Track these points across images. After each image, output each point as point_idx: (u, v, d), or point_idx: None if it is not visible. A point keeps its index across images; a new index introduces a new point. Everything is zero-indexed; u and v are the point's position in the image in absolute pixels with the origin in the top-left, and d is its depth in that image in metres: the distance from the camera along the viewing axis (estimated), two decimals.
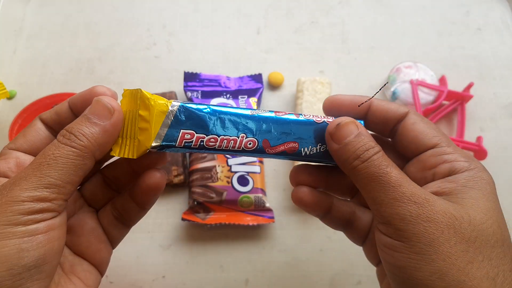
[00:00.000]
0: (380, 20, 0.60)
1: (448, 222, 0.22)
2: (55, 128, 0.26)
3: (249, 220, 0.45)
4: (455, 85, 0.53)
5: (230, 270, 0.45)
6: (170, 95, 0.51)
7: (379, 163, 0.24)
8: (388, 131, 0.28)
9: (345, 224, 0.31)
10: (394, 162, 0.26)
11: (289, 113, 0.27)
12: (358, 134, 0.25)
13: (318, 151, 0.27)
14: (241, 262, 0.45)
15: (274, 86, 0.55)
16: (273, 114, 0.26)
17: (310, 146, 0.27)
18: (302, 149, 0.27)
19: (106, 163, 0.29)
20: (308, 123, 0.26)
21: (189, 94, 0.51)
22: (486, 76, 0.56)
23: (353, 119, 0.26)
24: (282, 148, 0.26)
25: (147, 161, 0.27)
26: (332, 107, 0.28)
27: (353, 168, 0.24)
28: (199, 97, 0.51)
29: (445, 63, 0.57)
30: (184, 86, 0.52)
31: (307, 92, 0.50)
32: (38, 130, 0.26)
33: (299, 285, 0.44)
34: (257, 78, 0.54)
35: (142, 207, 0.29)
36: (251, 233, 0.46)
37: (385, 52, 0.58)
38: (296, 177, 0.29)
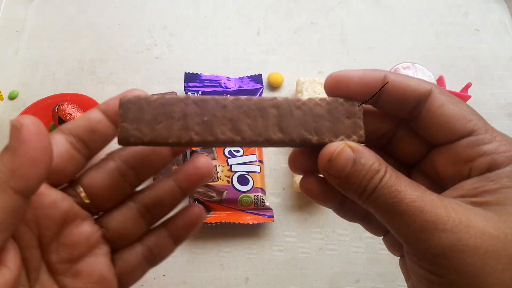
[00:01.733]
0: (379, 21, 0.61)
1: (490, 246, 0.18)
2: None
3: (249, 219, 0.45)
4: (453, 85, 0.54)
5: (230, 268, 0.45)
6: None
7: (389, 191, 0.20)
8: (406, 112, 0.23)
9: (362, 217, 0.26)
10: (415, 148, 0.23)
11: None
12: (354, 162, 0.21)
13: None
14: (241, 261, 0.46)
15: (273, 87, 0.55)
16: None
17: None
18: None
19: (141, 186, 0.25)
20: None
21: (189, 94, 0.52)
22: (484, 76, 0.57)
23: (343, 143, 0.21)
24: None
25: (197, 172, 0.24)
26: (337, 87, 0.22)
27: (363, 202, 0.21)
28: None
29: (443, 63, 0.57)
30: (185, 87, 0.53)
31: (306, 93, 0.51)
32: (57, 145, 0.22)
33: (299, 283, 0.45)
34: (257, 78, 0.54)
35: (176, 243, 0.26)
36: (251, 232, 0.47)
37: (384, 53, 0.58)
38: (295, 162, 0.25)
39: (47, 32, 0.60)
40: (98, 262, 0.23)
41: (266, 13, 0.61)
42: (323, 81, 0.52)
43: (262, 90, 0.53)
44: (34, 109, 0.50)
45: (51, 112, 0.50)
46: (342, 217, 0.27)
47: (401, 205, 0.19)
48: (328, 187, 0.24)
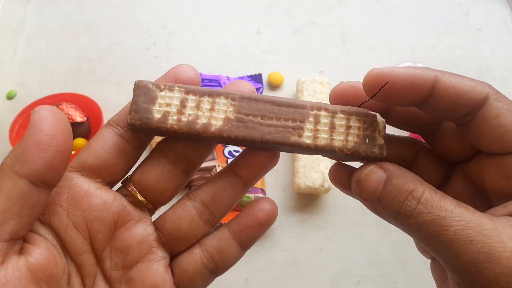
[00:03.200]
0: (380, 20, 0.60)
1: None
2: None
3: None
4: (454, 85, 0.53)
5: (230, 269, 0.45)
6: None
7: (432, 216, 0.17)
8: (457, 118, 0.20)
9: None
10: (460, 148, 0.21)
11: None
12: (386, 182, 0.19)
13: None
14: (241, 262, 0.45)
15: (274, 86, 0.55)
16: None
17: None
18: None
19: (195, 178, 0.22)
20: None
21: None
22: (486, 76, 0.56)
23: (372, 164, 0.20)
24: None
25: (258, 162, 0.21)
26: (378, 87, 0.19)
27: (401, 226, 0.19)
28: None
29: (444, 63, 0.57)
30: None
31: (307, 92, 0.50)
32: (105, 139, 0.21)
33: (299, 284, 0.44)
34: (257, 78, 0.54)
35: (243, 246, 0.23)
36: None
37: (385, 52, 0.58)
38: (335, 174, 0.23)
39: (45, 31, 0.59)
40: (151, 269, 0.21)
41: (266, 12, 0.61)
42: (323, 80, 0.52)
43: (262, 90, 0.53)
44: (32, 109, 0.50)
45: None
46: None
47: (447, 234, 0.17)
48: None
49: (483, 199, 0.20)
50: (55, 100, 0.50)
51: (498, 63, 0.57)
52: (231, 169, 0.22)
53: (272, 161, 0.22)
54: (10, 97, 0.54)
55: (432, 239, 0.17)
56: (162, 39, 0.59)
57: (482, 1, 0.62)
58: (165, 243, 0.22)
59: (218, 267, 0.22)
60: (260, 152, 0.21)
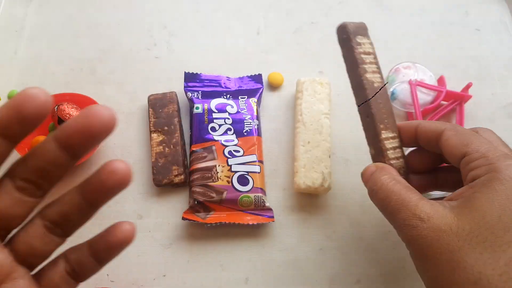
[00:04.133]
0: (379, 21, 0.61)
1: (435, 236, 0.26)
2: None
3: (249, 219, 0.45)
4: (454, 85, 0.53)
5: (230, 269, 0.45)
6: (170, 96, 0.52)
7: (382, 192, 0.31)
8: (435, 147, 0.33)
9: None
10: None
11: None
12: (372, 174, 0.33)
13: None
14: (241, 261, 0.45)
15: (274, 87, 0.55)
16: None
17: None
18: None
19: (45, 203, 0.23)
20: None
21: (189, 94, 0.52)
22: (485, 76, 0.56)
23: (373, 164, 0.35)
24: None
25: (103, 185, 0.22)
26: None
27: (372, 201, 0.33)
28: (200, 97, 0.51)
29: (444, 63, 0.57)
30: (185, 87, 0.52)
31: (306, 93, 0.51)
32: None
33: (299, 284, 0.45)
34: (257, 78, 0.54)
35: (101, 263, 0.24)
36: (251, 232, 0.47)
37: (384, 53, 0.58)
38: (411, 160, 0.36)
39: (46, 31, 0.60)
40: (18, 285, 0.22)
41: (266, 12, 0.61)
42: (323, 81, 0.52)
43: (262, 90, 0.53)
44: None
45: (50, 112, 0.50)
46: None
47: (388, 206, 0.30)
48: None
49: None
50: (56, 100, 0.50)
51: (497, 63, 0.57)
52: (78, 190, 0.22)
53: (123, 183, 0.22)
54: (11, 97, 0.54)
55: (382, 210, 0.31)
56: (162, 39, 0.59)
57: (481, 2, 0.62)
58: (23, 261, 0.22)
59: (79, 277, 0.24)
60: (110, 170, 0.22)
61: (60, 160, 0.21)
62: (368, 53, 0.36)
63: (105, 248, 0.23)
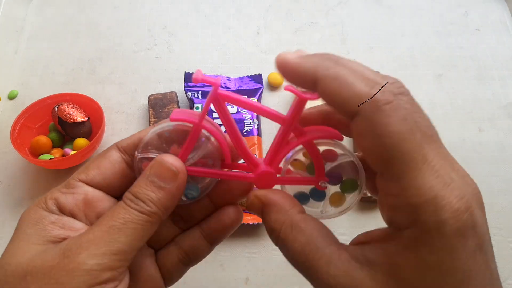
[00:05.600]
0: (379, 21, 0.61)
1: None
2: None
3: (249, 219, 0.45)
4: (455, 85, 0.53)
5: (231, 268, 0.45)
6: (170, 95, 0.52)
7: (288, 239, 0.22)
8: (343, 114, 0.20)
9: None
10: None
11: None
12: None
13: None
14: (242, 261, 0.45)
15: (273, 86, 0.55)
16: None
17: None
18: None
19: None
20: None
21: (189, 94, 0.52)
22: (485, 76, 0.56)
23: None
24: None
25: (230, 192, 0.25)
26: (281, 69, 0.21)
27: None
28: (200, 97, 0.51)
29: (443, 63, 0.57)
30: (185, 87, 0.52)
31: None
32: (114, 163, 0.23)
33: (299, 283, 0.44)
34: (257, 78, 0.54)
35: (212, 244, 0.26)
36: (252, 232, 0.47)
37: (384, 53, 0.58)
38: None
39: (46, 32, 0.60)
40: (145, 261, 0.25)
41: (266, 13, 0.61)
42: None
43: (262, 90, 0.53)
44: (34, 109, 0.50)
45: (51, 112, 0.50)
46: None
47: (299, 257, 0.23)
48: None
49: None
50: (56, 100, 0.50)
51: (497, 63, 0.57)
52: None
53: (237, 225, 0.26)
54: (11, 97, 0.55)
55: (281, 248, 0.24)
56: (162, 39, 0.59)
57: (481, 2, 0.62)
58: (149, 243, 0.25)
59: (191, 261, 0.26)
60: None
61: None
62: None
63: (218, 229, 0.25)
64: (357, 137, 0.19)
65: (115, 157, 0.23)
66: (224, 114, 0.22)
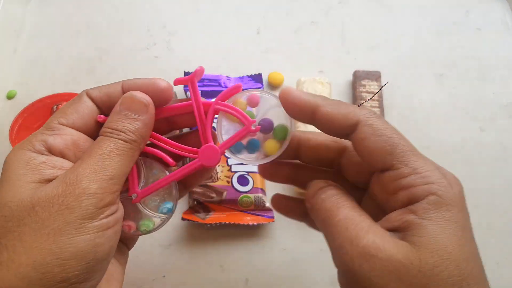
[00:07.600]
0: (380, 20, 0.60)
1: (395, 270, 0.20)
2: (103, 109, 0.26)
3: (249, 219, 0.45)
4: (455, 85, 0.53)
5: (230, 269, 0.45)
6: None
7: (330, 206, 0.23)
8: (343, 137, 0.25)
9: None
10: (358, 172, 0.26)
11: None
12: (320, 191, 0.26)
13: None
14: (241, 262, 0.45)
15: (274, 86, 0.55)
16: None
17: None
18: None
19: None
20: None
21: (189, 94, 0.51)
22: (486, 76, 0.56)
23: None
24: None
25: (195, 179, 0.30)
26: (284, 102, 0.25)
27: (308, 209, 0.25)
28: None
29: (444, 63, 0.57)
30: (184, 86, 0.52)
31: None
32: (90, 108, 0.26)
33: (299, 284, 0.44)
34: (257, 78, 0.54)
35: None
36: (251, 233, 0.46)
37: (385, 52, 0.58)
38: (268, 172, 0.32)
39: (45, 31, 0.59)
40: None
41: (266, 12, 0.61)
42: (323, 80, 0.52)
43: (262, 89, 0.53)
44: (32, 109, 0.50)
45: (49, 111, 0.49)
46: (313, 228, 0.31)
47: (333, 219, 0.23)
48: (289, 203, 0.31)
49: (383, 215, 0.24)
50: (55, 100, 0.50)
51: (498, 63, 0.57)
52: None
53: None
54: (10, 97, 0.54)
55: (320, 225, 0.24)
56: (162, 39, 0.59)
57: (482, 1, 0.62)
58: None
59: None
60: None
61: None
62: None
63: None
64: (361, 141, 0.23)
65: (90, 103, 0.26)
66: (196, 96, 0.28)
